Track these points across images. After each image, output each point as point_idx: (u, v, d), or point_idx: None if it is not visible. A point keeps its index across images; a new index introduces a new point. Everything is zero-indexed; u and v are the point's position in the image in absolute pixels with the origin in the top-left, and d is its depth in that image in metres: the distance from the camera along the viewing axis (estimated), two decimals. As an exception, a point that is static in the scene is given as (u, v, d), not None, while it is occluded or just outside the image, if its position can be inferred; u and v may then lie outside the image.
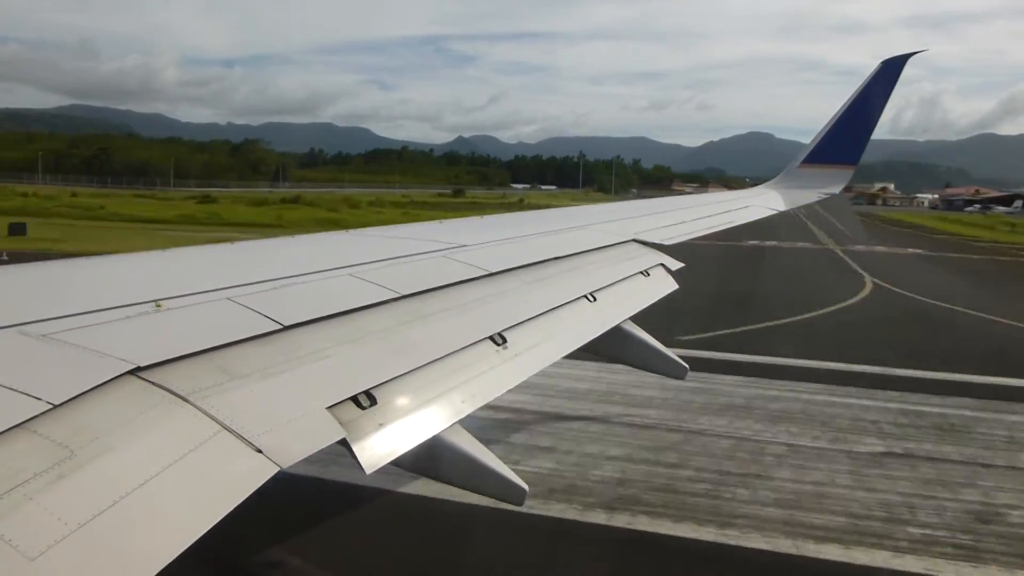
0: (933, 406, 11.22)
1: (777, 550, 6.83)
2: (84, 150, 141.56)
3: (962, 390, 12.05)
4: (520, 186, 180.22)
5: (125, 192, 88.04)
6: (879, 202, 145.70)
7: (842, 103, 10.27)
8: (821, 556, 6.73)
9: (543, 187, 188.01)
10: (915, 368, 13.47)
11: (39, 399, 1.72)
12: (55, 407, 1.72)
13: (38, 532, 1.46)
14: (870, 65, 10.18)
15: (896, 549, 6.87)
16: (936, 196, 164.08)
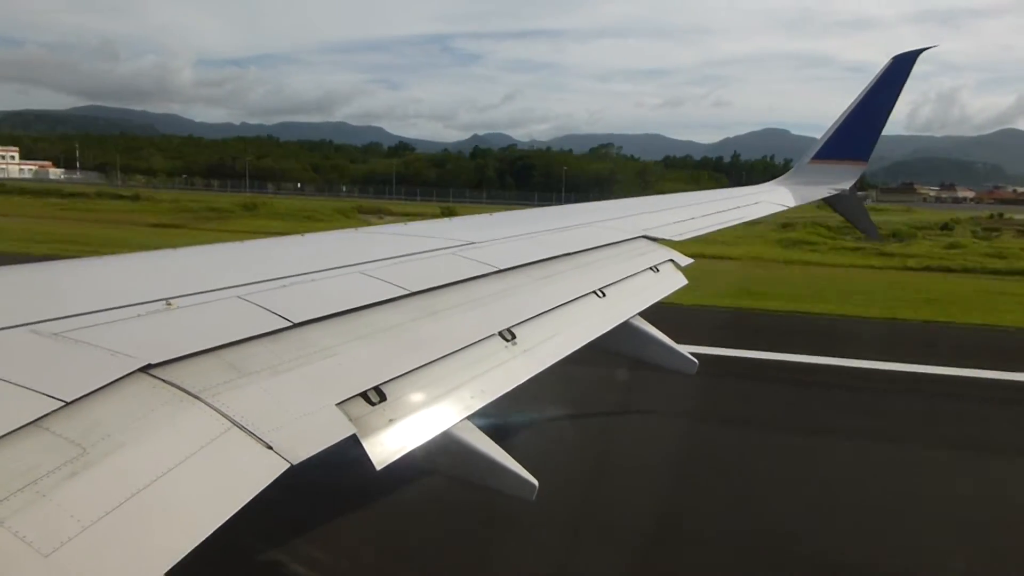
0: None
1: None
2: (489, 162, 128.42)
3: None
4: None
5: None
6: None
7: (853, 99, 10.22)
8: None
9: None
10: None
11: (51, 397, 1.73)
12: (67, 404, 1.73)
13: (52, 529, 1.47)
14: (879, 62, 10.15)
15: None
16: None
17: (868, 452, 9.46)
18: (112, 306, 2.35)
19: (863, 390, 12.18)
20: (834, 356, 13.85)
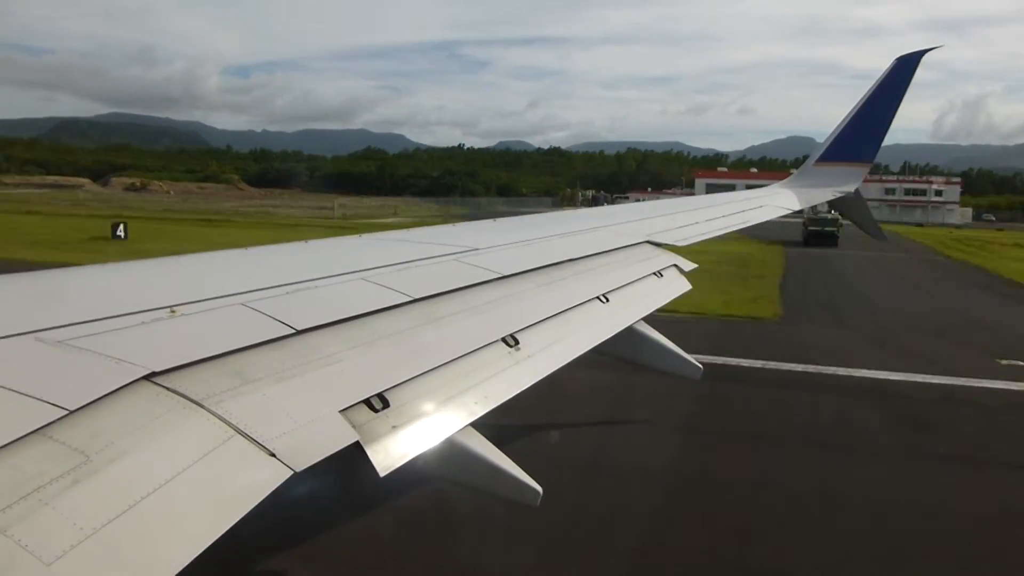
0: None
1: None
2: None
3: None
4: None
5: None
6: None
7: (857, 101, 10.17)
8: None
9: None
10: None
11: (55, 405, 1.74)
12: (71, 413, 1.73)
13: (54, 537, 1.47)
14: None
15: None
16: None
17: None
18: (116, 314, 2.35)
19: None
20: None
